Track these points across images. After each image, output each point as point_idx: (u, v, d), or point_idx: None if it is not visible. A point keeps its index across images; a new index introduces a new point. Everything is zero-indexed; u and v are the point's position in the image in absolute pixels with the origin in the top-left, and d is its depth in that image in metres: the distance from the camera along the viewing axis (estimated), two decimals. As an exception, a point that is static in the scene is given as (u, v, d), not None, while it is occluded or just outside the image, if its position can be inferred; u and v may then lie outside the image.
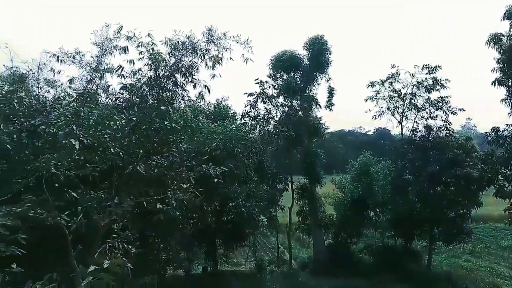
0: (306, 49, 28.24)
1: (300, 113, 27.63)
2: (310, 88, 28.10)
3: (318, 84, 28.46)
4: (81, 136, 7.72)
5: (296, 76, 27.81)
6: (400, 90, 28.34)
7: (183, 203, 9.76)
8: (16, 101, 9.64)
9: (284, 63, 27.58)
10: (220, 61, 13.46)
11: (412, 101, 27.96)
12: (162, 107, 9.95)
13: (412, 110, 28.11)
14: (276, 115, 27.60)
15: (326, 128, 29.81)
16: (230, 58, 13.22)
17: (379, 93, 28.73)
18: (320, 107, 28.39)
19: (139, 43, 13.31)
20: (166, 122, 9.18)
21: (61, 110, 9.05)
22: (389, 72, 28.20)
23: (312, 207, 28.40)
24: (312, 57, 27.86)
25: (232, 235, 24.19)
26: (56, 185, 8.91)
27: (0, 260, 7.05)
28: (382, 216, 28.40)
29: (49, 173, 8.53)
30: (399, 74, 27.94)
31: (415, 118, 28.08)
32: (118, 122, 8.72)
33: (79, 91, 11.96)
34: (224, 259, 27.30)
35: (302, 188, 28.73)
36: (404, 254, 27.28)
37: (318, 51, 27.71)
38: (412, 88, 27.91)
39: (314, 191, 28.69)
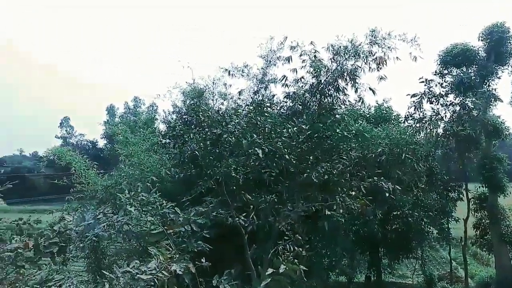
0: (482, 40, 24.76)
1: (474, 111, 24.38)
2: (488, 83, 24.55)
3: (498, 78, 24.70)
4: (262, 144, 8.30)
5: (470, 70, 24.73)
6: None
7: (351, 210, 9.58)
8: (201, 113, 11.05)
9: (455, 57, 24.72)
10: (385, 62, 12.83)
11: None
12: (337, 116, 9.99)
13: None
14: (445, 116, 24.96)
15: (508, 128, 25.55)
16: (397, 58, 12.48)
17: None
18: (502, 102, 24.51)
19: (302, 51, 13.70)
20: (337, 130, 9.17)
21: (236, 120, 9.91)
22: None
23: (494, 219, 24.63)
24: (490, 48, 24.35)
25: (397, 246, 22.72)
26: (234, 188, 9.81)
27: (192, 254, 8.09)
28: None
29: (229, 177, 9.43)
30: None
31: None
32: (290, 130, 9.11)
33: (256, 102, 12.92)
34: (388, 270, 25.86)
35: (481, 197, 25.15)
36: None
37: (498, 40, 23.99)
38: None
39: (496, 201, 24.82)
